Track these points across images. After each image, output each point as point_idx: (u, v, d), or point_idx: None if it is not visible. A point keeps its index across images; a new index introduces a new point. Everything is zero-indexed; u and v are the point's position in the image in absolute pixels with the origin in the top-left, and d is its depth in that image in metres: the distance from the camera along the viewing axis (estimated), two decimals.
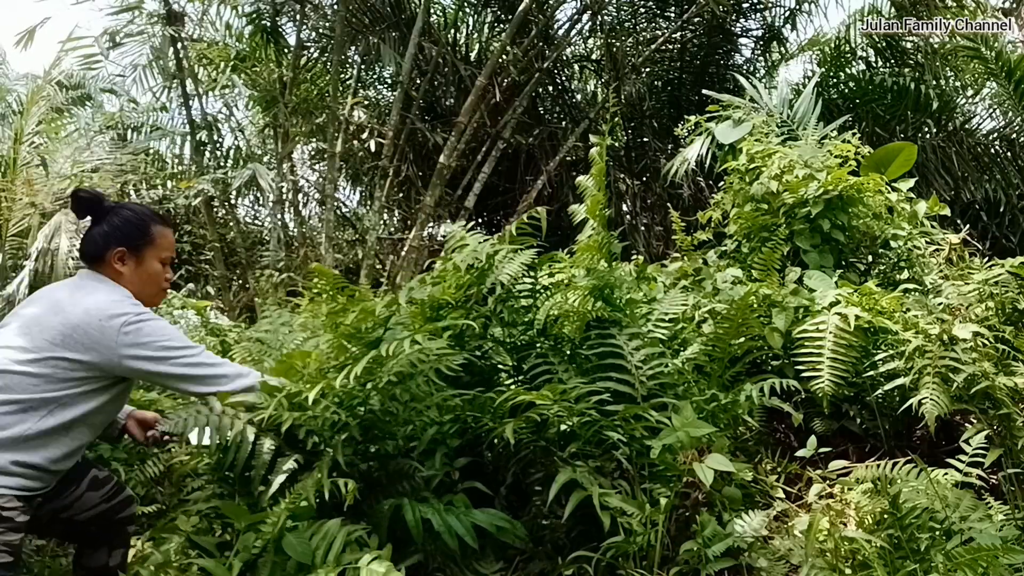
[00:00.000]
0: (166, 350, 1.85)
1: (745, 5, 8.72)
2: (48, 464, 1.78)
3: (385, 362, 1.98)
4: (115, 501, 2.08)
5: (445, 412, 2.15)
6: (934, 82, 7.62)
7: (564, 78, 9.79)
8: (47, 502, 1.90)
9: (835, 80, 7.87)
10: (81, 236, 2.03)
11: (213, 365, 1.94)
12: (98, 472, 2.07)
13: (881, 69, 7.95)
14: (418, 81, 8.53)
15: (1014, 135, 7.22)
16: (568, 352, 2.59)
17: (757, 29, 9.17)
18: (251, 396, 1.95)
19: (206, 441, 1.91)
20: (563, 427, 2.18)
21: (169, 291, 4.09)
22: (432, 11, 8.80)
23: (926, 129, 7.36)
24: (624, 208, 9.24)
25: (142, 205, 2.10)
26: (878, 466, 2.28)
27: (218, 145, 8.83)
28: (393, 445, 2.12)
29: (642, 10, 9.02)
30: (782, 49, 9.45)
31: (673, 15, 8.80)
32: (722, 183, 4.56)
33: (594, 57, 10.07)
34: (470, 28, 9.40)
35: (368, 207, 9.06)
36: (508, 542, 2.08)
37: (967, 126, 7.53)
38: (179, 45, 7.85)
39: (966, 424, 2.78)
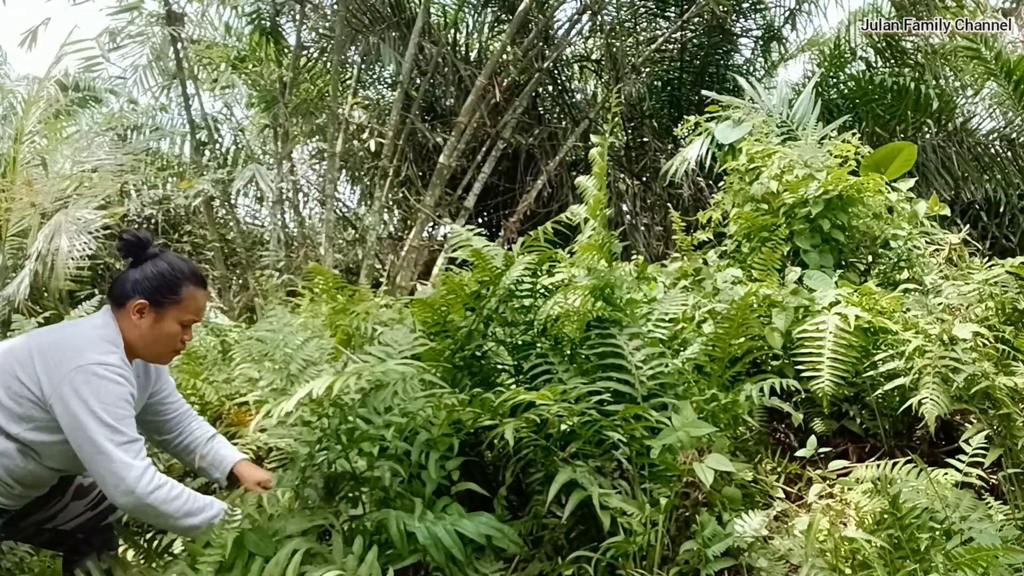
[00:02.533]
0: (96, 412, 1.67)
1: (745, 5, 8.72)
2: (6, 488, 1.73)
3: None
4: (100, 508, 2.05)
5: (437, 413, 2.14)
6: (934, 82, 7.62)
7: (564, 78, 9.78)
8: (30, 514, 1.88)
9: (835, 80, 7.87)
10: (117, 276, 1.97)
11: (133, 465, 1.68)
12: (83, 480, 2.03)
13: (881, 69, 7.95)
14: (418, 81, 8.53)
15: (1014, 135, 7.22)
16: (568, 352, 2.60)
17: (757, 29, 9.17)
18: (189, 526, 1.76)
19: None
20: (563, 427, 2.18)
21: None
22: (432, 11, 8.80)
23: (926, 129, 7.36)
24: (624, 208, 9.23)
25: (186, 260, 1.99)
26: (878, 466, 2.28)
27: (218, 145, 8.83)
28: (388, 454, 2.11)
29: (642, 10, 9.02)
30: (782, 49, 9.45)
31: (673, 15, 8.80)
32: (722, 183, 4.56)
33: (594, 57, 10.07)
34: (470, 28, 9.40)
35: (368, 207, 9.07)
36: (503, 547, 2.08)
37: (967, 126, 7.52)
38: (179, 45, 7.85)
39: (966, 424, 2.78)
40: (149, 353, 1.90)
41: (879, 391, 2.73)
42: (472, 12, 9.25)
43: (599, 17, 8.81)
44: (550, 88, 9.49)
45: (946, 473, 2.33)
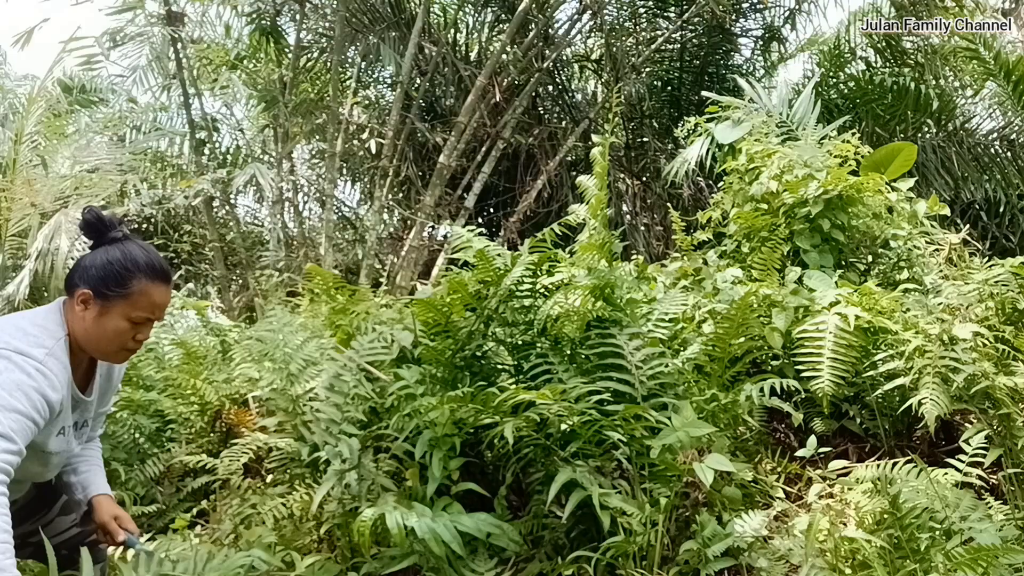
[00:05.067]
0: None
1: (745, 5, 8.72)
2: None
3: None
4: (88, 524, 1.94)
5: (440, 410, 2.14)
6: (934, 82, 7.62)
7: (564, 78, 9.78)
8: (15, 526, 1.83)
9: (835, 80, 7.87)
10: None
11: None
12: (72, 494, 1.93)
13: (881, 69, 7.94)
14: (418, 81, 8.53)
15: (1014, 135, 7.22)
16: (568, 352, 2.60)
17: (757, 29, 9.16)
18: None
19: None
20: (563, 427, 2.18)
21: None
22: (432, 11, 8.80)
23: (926, 129, 7.35)
24: (624, 208, 9.23)
25: (147, 250, 1.74)
26: (878, 466, 2.28)
27: (217, 145, 8.83)
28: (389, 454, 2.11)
29: (642, 10, 9.02)
30: (781, 49, 9.45)
31: (673, 15, 8.80)
32: (722, 183, 4.56)
33: (594, 57, 10.06)
34: (470, 28, 9.40)
35: (368, 207, 9.07)
36: (502, 545, 2.09)
37: (967, 126, 7.52)
38: (179, 45, 7.86)
39: (966, 424, 2.78)
40: (95, 350, 1.69)
41: (879, 391, 2.73)
42: (472, 12, 9.25)
43: (599, 17, 8.80)
44: (550, 88, 9.48)
45: (946, 473, 2.33)
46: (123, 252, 1.69)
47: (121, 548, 1.84)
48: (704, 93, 6.02)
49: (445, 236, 8.40)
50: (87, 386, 1.77)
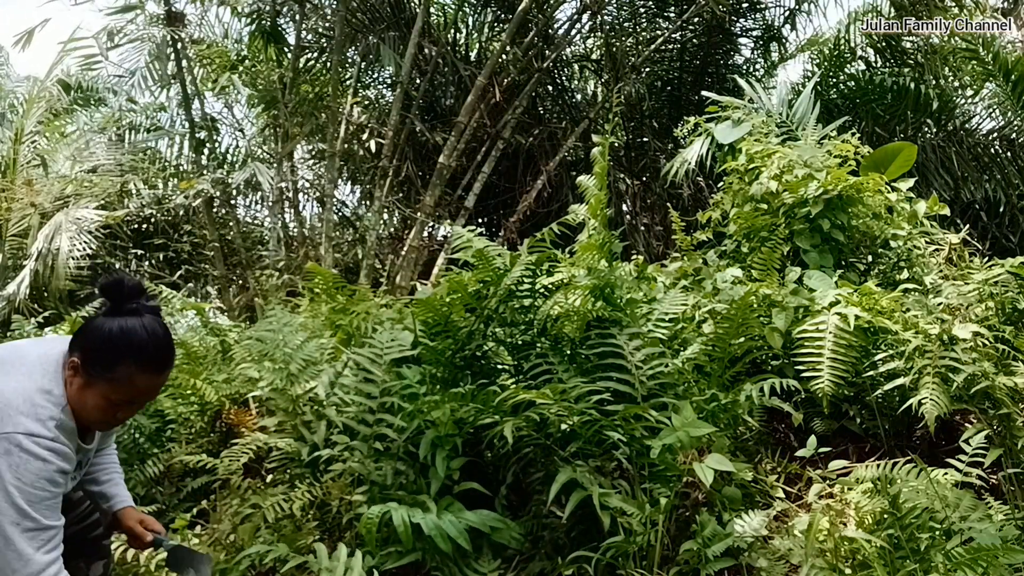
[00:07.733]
0: (8, 490, 1.46)
1: (744, 5, 8.72)
2: None
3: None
4: (86, 523, 1.95)
5: (442, 410, 2.14)
6: (934, 82, 7.62)
7: (564, 78, 9.78)
8: None
9: (834, 80, 7.87)
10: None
11: (31, 559, 1.46)
12: (72, 494, 1.89)
13: (881, 69, 7.94)
14: (418, 81, 8.53)
15: (1013, 135, 7.22)
16: (568, 352, 2.60)
17: (756, 29, 9.17)
18: None
19: None
20: (563, 427, 2.18)
21: (169, 291, 4.03)
22: (432, 11, 8.80)
23: (926, 129, 7.35)
24: (624, 208, 9.23)
25: (151, 334, 1.61)
26: (878, 466, 2.29)
27: (217, 144, 8.83)
28: (390, 453, 2.12)
29: (642, 10, 9.01)
30: (781, 49, 9.45)
31: (673, 15, 8.80)
32: (722, 183, 4.56)
33: (594, 57, 10.07)
34: (470, 28, 9.40)
35: (368, 207, 9.07)
36: (504, 542, 2.09)
37: (967, 126, 7.52)
38: (179, 46, 7.86)
39: (966, 424, 2.78)
40: (78, 415, 1.63)
41: (879, 391, 2.73)
42: (472, 12, 9.26)
43: (599, 17, 8.81)
44: (550, 88, 9.48)
45: (946, 473, 2.33)
46: (122, 331, 1.58)
47: (151, 548, 1.86)
48: (704, 93, 6.02)
49: (445, 236, 8.41)
50: (87, 435, 1.74)
